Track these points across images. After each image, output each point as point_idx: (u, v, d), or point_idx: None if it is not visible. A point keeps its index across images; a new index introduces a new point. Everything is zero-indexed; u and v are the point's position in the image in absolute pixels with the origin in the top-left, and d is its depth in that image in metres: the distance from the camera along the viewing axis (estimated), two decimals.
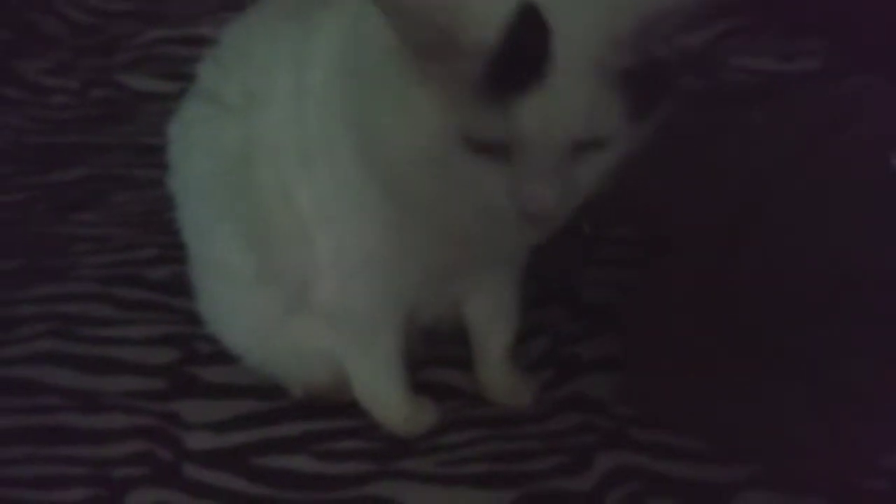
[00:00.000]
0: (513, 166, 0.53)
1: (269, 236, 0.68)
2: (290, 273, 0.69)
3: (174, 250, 0.81)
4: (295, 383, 0.79)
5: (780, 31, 1.30)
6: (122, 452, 0.73)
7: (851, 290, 0.66)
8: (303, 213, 0.67)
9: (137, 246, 0.97)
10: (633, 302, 0.80)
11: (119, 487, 0.70)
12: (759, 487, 0.68)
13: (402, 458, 0.73)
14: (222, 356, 0.80)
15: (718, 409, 0.71)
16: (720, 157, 0.75)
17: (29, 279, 0.92)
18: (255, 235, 0.69)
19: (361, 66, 0.58)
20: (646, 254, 0.82)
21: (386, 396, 0.76)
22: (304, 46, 0.65)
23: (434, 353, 0.83)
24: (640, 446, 0.72)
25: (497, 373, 0.79)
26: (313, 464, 0.73)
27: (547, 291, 0.88)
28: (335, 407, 0.78)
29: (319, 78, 0.63)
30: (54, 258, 0.95)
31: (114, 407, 0.78)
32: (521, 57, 0.50)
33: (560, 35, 0.49)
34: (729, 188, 0.74)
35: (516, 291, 0.77)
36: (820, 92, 0.88)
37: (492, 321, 0.78)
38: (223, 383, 0.81)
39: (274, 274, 0.69)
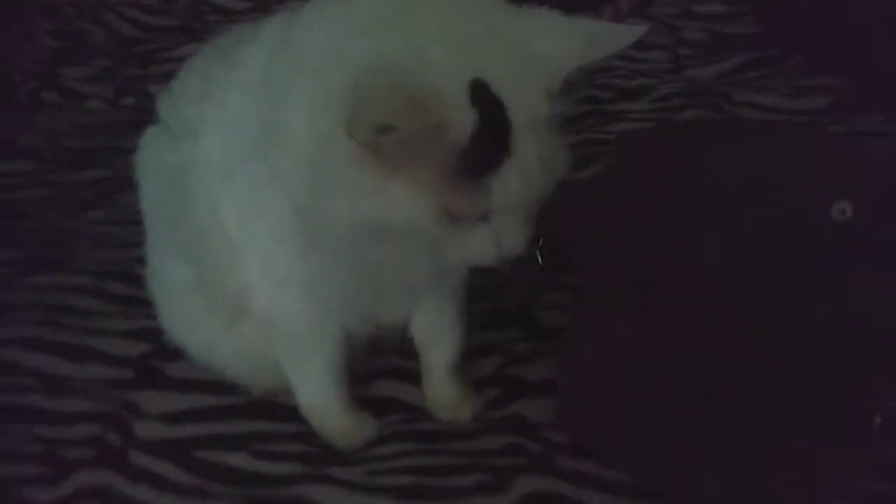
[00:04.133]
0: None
1: (207, 253, 0.73)
2: (227, 285, 0.73)
3: None
4: (252, 383, 0.83)
5: (798, 66, 1.28)
6: (76, 435, 0.78)
7: (776, 339, 0.65)
8: (230, 230, 0.71)
9: (135, 244, 1.03)
10: (567, 331, 0.80)
11: (66, 467, 0.75)
12: None
13: (332, 465, 0.76)
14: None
15: (639, 445, 0.71)
16: (666, 189, 0.75)
17: (29, 269, 0.99)
18: (195, 252, 0.74)
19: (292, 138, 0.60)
20: (583, 280, 0.83)
21: (324, 410, 0.78)
22: (227, 77, 0.70)
23: (385, 364, 0.85)
24: (565, 474, 0.73)
25: (439, 388, 0.81)
26: (249, 461, 0.76)
27: (506, 314, 0.90)
28: (288, 408, 0.81)
29: (237, 103, 0.68)
30: (56, 251, 1.02)
31: (78, 392, 0.83)
32: (489, 139, 0.55)
33: (512, 106, 0.56)
34: (669, 219, 0.74)
35: (458, 310, 0.79)
36: (783, 134, 0.87)
37: (434, 338, 0.80)
38: (183, 378, 0.85)
39: (214, 286, 0.74)
